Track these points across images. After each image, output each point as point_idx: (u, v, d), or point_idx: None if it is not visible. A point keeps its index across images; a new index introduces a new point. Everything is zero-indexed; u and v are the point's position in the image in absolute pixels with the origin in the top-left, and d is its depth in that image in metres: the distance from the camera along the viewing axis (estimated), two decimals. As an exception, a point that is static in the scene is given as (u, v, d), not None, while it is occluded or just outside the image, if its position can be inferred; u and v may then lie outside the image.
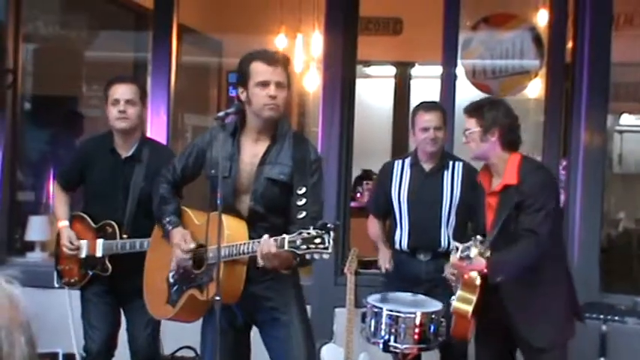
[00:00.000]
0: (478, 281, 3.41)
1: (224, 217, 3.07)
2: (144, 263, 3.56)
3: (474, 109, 3.61)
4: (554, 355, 3.56)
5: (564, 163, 5.15)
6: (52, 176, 5.84)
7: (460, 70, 5.28)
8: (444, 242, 4.19)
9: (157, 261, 3.45)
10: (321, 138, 5.15)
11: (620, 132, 7.63)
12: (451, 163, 4.29)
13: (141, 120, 3.99)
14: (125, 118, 3.84)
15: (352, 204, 5.74)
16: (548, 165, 4.50)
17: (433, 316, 3.85)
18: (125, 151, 3.92)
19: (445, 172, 4.26)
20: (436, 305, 3.92)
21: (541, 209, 3.41)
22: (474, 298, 3.43)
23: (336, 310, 4.90)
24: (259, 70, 3.14)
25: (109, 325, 3.97)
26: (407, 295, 4.08)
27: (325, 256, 2.87)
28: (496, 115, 3.54)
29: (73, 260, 3.99)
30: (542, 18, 5.59)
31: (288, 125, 3.33)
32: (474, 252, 3.35)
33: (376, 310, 3.89)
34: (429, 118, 4.20)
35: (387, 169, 4.44)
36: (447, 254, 3.68)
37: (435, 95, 5.12)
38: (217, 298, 2.99)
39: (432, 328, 3.84)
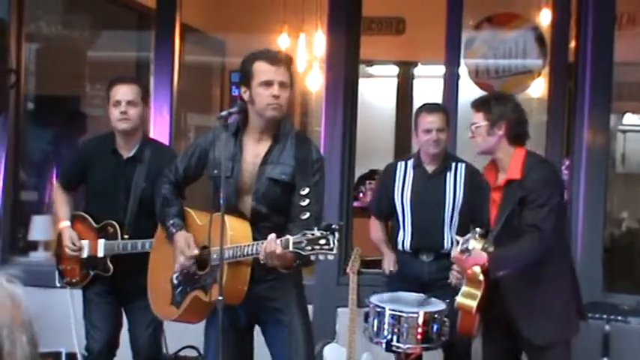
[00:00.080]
0: (481, 277, 3.41)
1: (227, 217, 3.06)
2: (145, 264, 3.56)
3: (481, 103, 3.61)
4: (556, 352, 3.54)
5: (567, 162, 5.14)
6: (55, 176, 5.84)
7: (463, 70, 5.28)
8: (447, 243, 4.18)
9: (160, 262, 3.45)
10: (323, 138, 5.15)
11: (623, 131, 7.62)
12: (454, 164, 4.29)
13: (142, 120, 3.99)
14: (127, 120, 3.84)
15: (355, 203, 5.73)
16: (551, 164, 4.49)
17: (436, 315, 3.84)
18: (127, 152, 3.92)
19: (448, 174, 4.26)
20: (439, 305, 3.91)
21: (544, 205, 3.41)
22: (479, 293, 3.43)
23: (339, 309, 4.89)
24: (262, 70, 3.13)
25: (110, 324, 3.97)
26: (410, 295, 4.08)
27: (330, 257, 2.88)
28: (504, 109, 3.54)
29: (75, 260, 3.99)
30: (545, 17, 5.59)
31: (290, 125, 3.32)
32: (472, 244, 3.36)
33: (379, 309, 3.89)
34: (431, 120, 4.20)
35: (390, 170, 4.44)
36: (449, 255, 3.67)
37: (437, 95, 5.12)
38: (220, 297, 2.99)
39: (435, 327, 3.83)
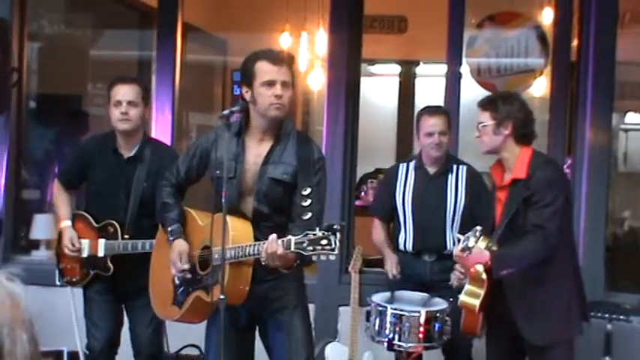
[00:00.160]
0: (484, 275, 3.40)
1: (229, 218, 3.05)
2: (146, 263, 3.56)
3: (488, 103, 3.61)
4: (557, 353, 3.52)
5: (569, 161, 5.13)
6: (56, 175, 5.84)
7: (465, 69, 5.27)
8: (449, 244, 4.18)
9: (162, 262, 3.44)
10: (325, 137, 5.14)
11: (626, 130, 7.60)
12: (455, 166, 4.29)
13: (143, 120, 3.98)
14: (127, 120, 3.84)
15: (357, 202, 5.73)
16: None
17: (438, 314, 3.84)
18: (127, 152, 3.92)
19: (449, 176, 4.26)
20: (441, 304, 3.91)
21: (549, 205, 3.40)
22: (482, 292, 3.42)
23: (341, 308, 4.89)
24: (265, 70, 3.13)
25: (111, 323, 3.97)
26: (414, 294, 4.07)
27: (332, 257, 2.89)
28: (510, 108, 3.53)
29: (75, 259, 3.99)
30: (547, 16, 5.58)
31: (291, 125, 3.32)
32: (472, 242, 3.37)
33: (381, 308, 3.89)
34: (433, 123, 4.20)
35: (392, 172, 4.45)
36: (452, 255, 3.66)
37: (439, 94, 5.11)
38: (222, 297, 2.99)
39: (437, 326, 3.83)
